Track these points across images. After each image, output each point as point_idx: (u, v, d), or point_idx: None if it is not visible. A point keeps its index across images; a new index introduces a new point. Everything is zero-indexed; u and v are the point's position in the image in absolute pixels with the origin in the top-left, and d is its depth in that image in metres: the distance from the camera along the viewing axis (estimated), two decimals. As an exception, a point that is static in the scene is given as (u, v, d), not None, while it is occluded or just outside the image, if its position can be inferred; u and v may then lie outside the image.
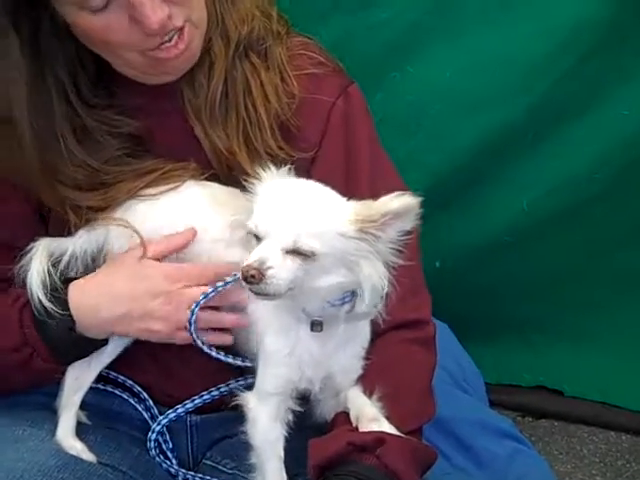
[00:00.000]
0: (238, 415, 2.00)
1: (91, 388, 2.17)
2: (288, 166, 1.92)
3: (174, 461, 2.23)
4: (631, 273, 3.53)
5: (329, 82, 2.22)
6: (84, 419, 2.20)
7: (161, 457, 2.21)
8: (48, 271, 2.03)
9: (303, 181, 1.90)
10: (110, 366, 2.19)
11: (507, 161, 3.35)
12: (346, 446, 1.90)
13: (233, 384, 2.13)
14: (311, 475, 1.92)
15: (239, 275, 1.96)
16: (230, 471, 2.22)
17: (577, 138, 3.28)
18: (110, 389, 2.25)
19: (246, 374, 2.09)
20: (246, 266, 1.77)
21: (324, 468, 1.90)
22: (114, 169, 2.13)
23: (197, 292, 2.03)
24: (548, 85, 3.19)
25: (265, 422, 1.97)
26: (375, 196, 1.83)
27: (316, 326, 1.93)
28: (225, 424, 2.22)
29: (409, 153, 3.16)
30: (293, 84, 2.17)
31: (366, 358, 2.04)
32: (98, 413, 2.24)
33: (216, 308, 2.08)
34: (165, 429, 2.22)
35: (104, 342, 2.12)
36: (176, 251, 2.08)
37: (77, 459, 2.08)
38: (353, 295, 1.89)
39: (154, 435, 2.19)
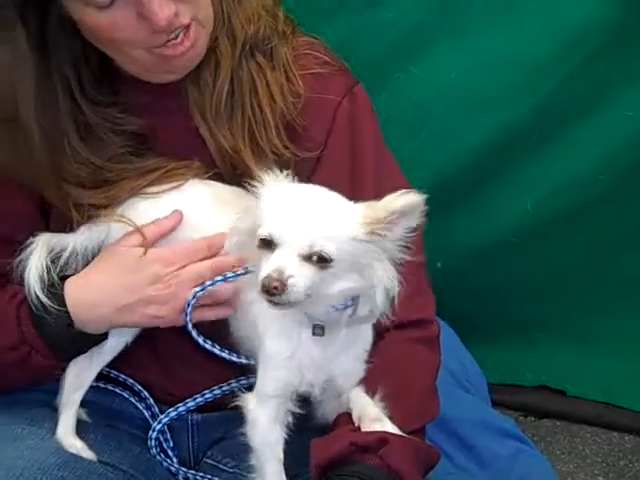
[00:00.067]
0: (239, 414, 1.99)
1: (91, 386, 2.17)
2: (289, 170, 1.91)
3: (175, 460, 2.23)
4: (636, 274, 3.52)
5: (335, 82, 2.22)
6: (84, 417, 2.20)
7: (162, 456, 2.21)
8: (47, 267, 2.03)
9: (310, 186, 1.89)
10: (111, 364, 2.19)
11: (512, 162, 3.34)
12: (348, 446, 1.89)
13: (235, 383, 2.13)
14: (313, 475, 1.91)
15: (241, 271, 1.97)
16: (231, 470, 2.22)
17: (582, 139, 3.28)
18: (111, 388, 2.25)
19: (248, 373, 2.08)
20: (266, 277, 1.74)
21: (326, 468, 1.90)
22: (117, 167, 2.12)
23: (194, 269, 2.03)
24: (553, 86, 3.19)
25: (265, 424, 1.96)
26: (380, 196, 1.82)
27: (318, 330, 1.92)
28: (226, 423, 2.21)
29: (413, 153, 3.15)
30: (299, 83, 2.16)
31: (369, 360, 2.03)
32: (98, 411, 2.24)
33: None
34: (166, 428, 2.22)
35: (104, 337, 2.11)
36: (166, 235, 2.07)
37: (77, 457, 2.07)
38: (354, 299, 1.88)
39: (155, 434, 2.19)
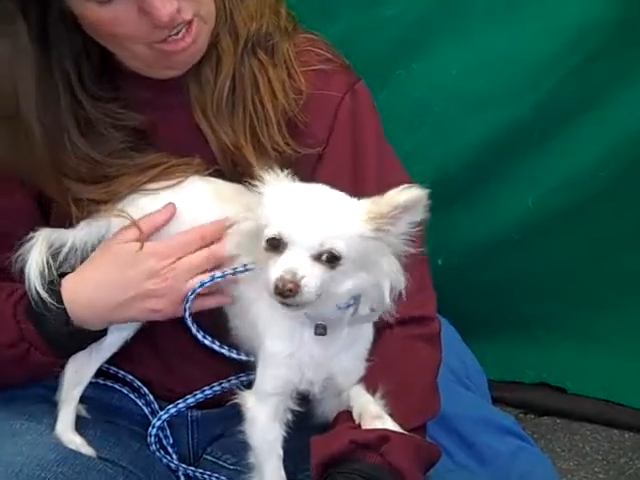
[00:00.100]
0: (239, 411, 1.99)
1: (91, 382, 2.16)
2: (291, 167, 1.91)
3: (174, 456, 2.22)
4: (637, 271, 3.52)
5: (336, 79, 2.21)
6: (84, 413, 2.20)
7: (161, 452, 2.21)
8: (47, 262, 2.02)
9: (313, 185, 1.88)
10: (110, 361, 2.18)
11: (513, 159, 3.35)
12: (349, 444, 1.89)
13: (234, 380, 2.12)
14: (313, 473, 1.90)
15: (240, 268, 1.96)
16: (231, 467, 2.22)
17: (583, 136, 3.28)
18: (110, 384, 2.24)
19: (247, 370, 2.07)
20: (279, 279, 1.74)
21: (327, 465, 1.89)
22: (117, 162, 2.12)
23: (190, 261, 2.03)
24: (554, 83, 3.19)
25: (264, 422, 1.95)
26: (382, 192, 1.82)
27: (320, 330, 1.91)
28: (226, 420, 2.20)
29: (414, 150, 3.15)
30: (300, 80, 2.16)
31: (369, 359, 2.02)
32: (98, 407, 2.23)
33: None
34: (166, 424, 2.21)
35: (103, 333, 2.11)
36: (160, 228, 2.07)
37: (76, 453, 2.07)
38: (356, 298, 1.88)
39: (154, 430, 2.18)
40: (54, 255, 2.05)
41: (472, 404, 3.13)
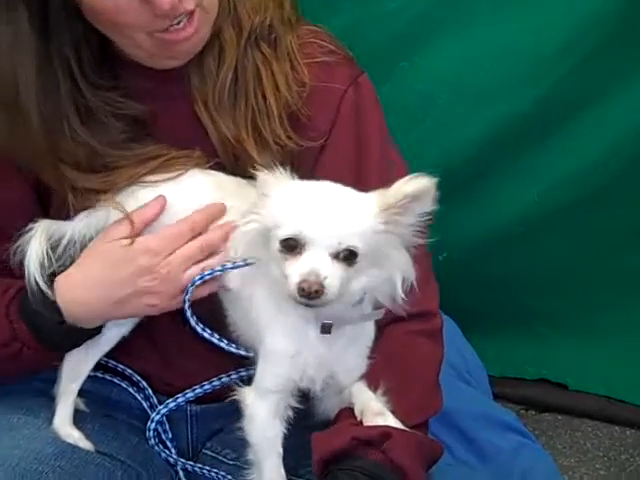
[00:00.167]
0: (239, 406, 1.97)
1: (89, 376, 2.16)
2: (293, 160, 1.89)
3: (173, 451, 2.22)
4: (639, 267, 3.52)
5: (340, 71, 2.20)
6: (82, 406, 2.19)
7: (160, 446, 2.20)
8: (47, 253, 2.01)
9: (321, 182, 1.86)
10: (109, 354, 2.17)
11: (515, 153, 3.33)
12: (351, 441, 1.87)
13: (234, 375, 2.11)
14: (315, 469, 1.90)
15: (240, 262, 1.94)
16: (231, 462, 2.20)
17: (587, 130, 3.27)
18: (109, 377, 2.23)
19: (248, 364, 2.06)
20: (304, 281, 1.73)
21: (328, 462, 1.88)
22: (116, 153, 2.10)
23: (183, 254, 2.01)
24: (557, 77, 3.17)
25: (264, 419, 1.94)
26: (384, 186, 1.81)
27: (326, 328, 1.90)
28: (226, 414, 2.18)
29: (417, 143, 3.13)
30: (303, 72, 2.14)
31: (370, 356, 2.01)
32: (96, 401, 2.22)
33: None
34: (164, 418, 2.20)
35: (98, 331, 2.10)
36: (151, 222, 2.05)
37: (74, 447, 2.07)
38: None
39: (153, 424, 2.17)
40: (53, 247, 2.03)
41: (473, 399, 3.12)
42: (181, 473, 2.20)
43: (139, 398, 2.23)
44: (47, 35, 2.02)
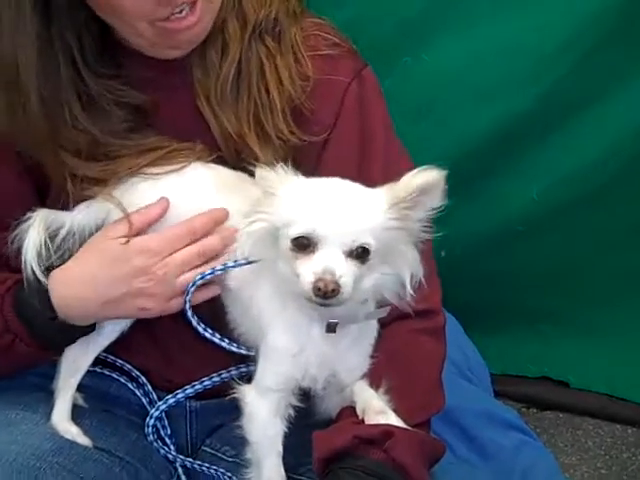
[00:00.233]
0: (239, 403, 1.96)
1: (88, 371, 2.14)
2: (295, 154, 1.88)
3: (172, 447, 2.20)
4: (641, 264, 3.52)
5: (344, 64, 2.19)
6: (81, 402, 2.18)
7: (159, 443, 2.19)
8: (45, 242, 2.00)
9: (329, 179, 1.84)
10: (108, 349, 2.16)
11: (517, 150, 3.34)
12: (352, 439, 1.86)
13: (234, 371, 2.09)
14: (316, 468, 1.88)
15: (242, 260, 1.92)
16: (230, 459, 2.19)
17: (587, 128, 3.28)
18: (108, 372, 2.22)
19: (248, 361, 2.04)
20: (319, 280, 1.70)
21: (329, 461, 1.87)
22: (117, 142, 2.09)
23: (180, 258, 1.99)
24: (558, 75, 3.19)
25: (264, 417, 1.92)
26: (388, 181, 1.79)
27: (332, 327, 1.88)
28: (225, 411, 2.16)
29: (418, 138, 3.11)
30: (307, 65, 2.13)
31: (372, 355, 1.99)
32: (95, 396, 2.21)
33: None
34: (164, 414, 2.19)
35: (92, 328, 2.08)
36: (153, 224, 2.03)
37: (72, 443, 2.06)
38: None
39: (152, 420, 2.16)
40: (51, 237, 2.02)
41: (474, 397, 3.11)
42: (180, 470, 2.19)
43: (138, 394, 2.21)
44: (48, 19, 2.00)
